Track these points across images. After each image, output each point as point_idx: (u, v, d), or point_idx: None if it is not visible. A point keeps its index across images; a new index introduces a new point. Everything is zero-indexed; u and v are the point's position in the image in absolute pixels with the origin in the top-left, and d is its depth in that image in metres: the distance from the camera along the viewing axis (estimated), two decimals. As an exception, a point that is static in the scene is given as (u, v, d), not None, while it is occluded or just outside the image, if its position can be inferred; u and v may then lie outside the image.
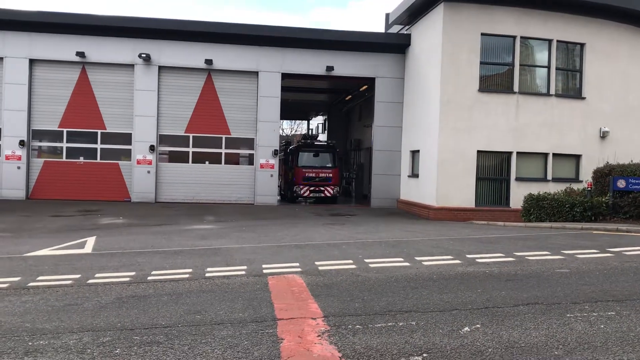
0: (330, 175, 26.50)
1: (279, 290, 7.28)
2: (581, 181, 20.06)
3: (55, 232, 14.18)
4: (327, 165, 26.72)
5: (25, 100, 22.43)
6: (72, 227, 15.33)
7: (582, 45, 20.84)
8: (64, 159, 23.07)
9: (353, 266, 9.11)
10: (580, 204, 16.79)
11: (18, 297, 7.03)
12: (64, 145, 23.06)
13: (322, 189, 26.19)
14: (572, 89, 21.16)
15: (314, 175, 26.20)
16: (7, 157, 22.34)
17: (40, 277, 8.24)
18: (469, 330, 5.50)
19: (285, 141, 34.41)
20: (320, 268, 8.92)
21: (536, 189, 18.83)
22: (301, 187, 26.12)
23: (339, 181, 27.59)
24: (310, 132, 43.61)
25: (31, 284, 7.82)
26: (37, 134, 22.97)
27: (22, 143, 22.33)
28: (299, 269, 8.84)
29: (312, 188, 26.12)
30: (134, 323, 5.75)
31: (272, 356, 4.73)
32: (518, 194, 19.65)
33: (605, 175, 17.60)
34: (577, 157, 20.83)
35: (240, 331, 5.44)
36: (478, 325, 5.64)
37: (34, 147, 22.98)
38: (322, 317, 5.95)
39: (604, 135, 20.86)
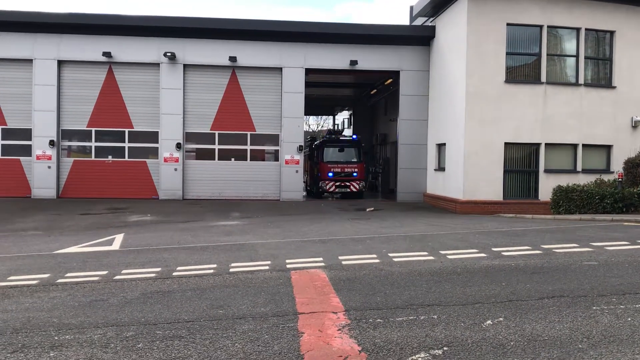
0: (356, 170, 26.39)
1: (301, 285, 7.30)
2: (612, 172, 19.63)
3: (85, 230, 14.46)
4: (352, 160, 26.62)
5: (54, 100, 22.86)
6: (101, 224, 15.61)
7: (611, 33, 20.34)
8: (92, 158, 23.47)
9: (376, 260, 9.07)
10: (611, 195, 16.44)
11: (47, 293, 7.19)
12: (93, 144, 23.46)
13: (347, 184, 26.12)
14: (602, 78, 20.67)
15: (339, 170, 26.15)
16: (38, 157, 22.84)
17: (69, 274, 8.41)
18: (491, 323, 5.43)
19: (311, 137, 34.42)
20: (343, 262, 8.91)
21: (565, 180, 18.51)
22: (326, 182, 26.09)
23: (364, 176, 27.47)
24: (335, 127, 43.47)
25: (60, 280, 7.99)
26: (66, 134, 23.41)
27: (52, 143, 22.79)
28: (322, 264, 8.84)
29: (337, 183, 26.06)
30: (157, 318, 5.83)
31: (291, 350, 4.75)
32: (547, 185, 19.34)
33: (636, 165, 17.21)
34: (607, 148, 20.37)
35: (261, 325, 5.47)
36: (501, 319, 5.57)
37: (64, 147, 23.44)
38: (343, 311, 5.95)
39: (635, 125, 20.37)
